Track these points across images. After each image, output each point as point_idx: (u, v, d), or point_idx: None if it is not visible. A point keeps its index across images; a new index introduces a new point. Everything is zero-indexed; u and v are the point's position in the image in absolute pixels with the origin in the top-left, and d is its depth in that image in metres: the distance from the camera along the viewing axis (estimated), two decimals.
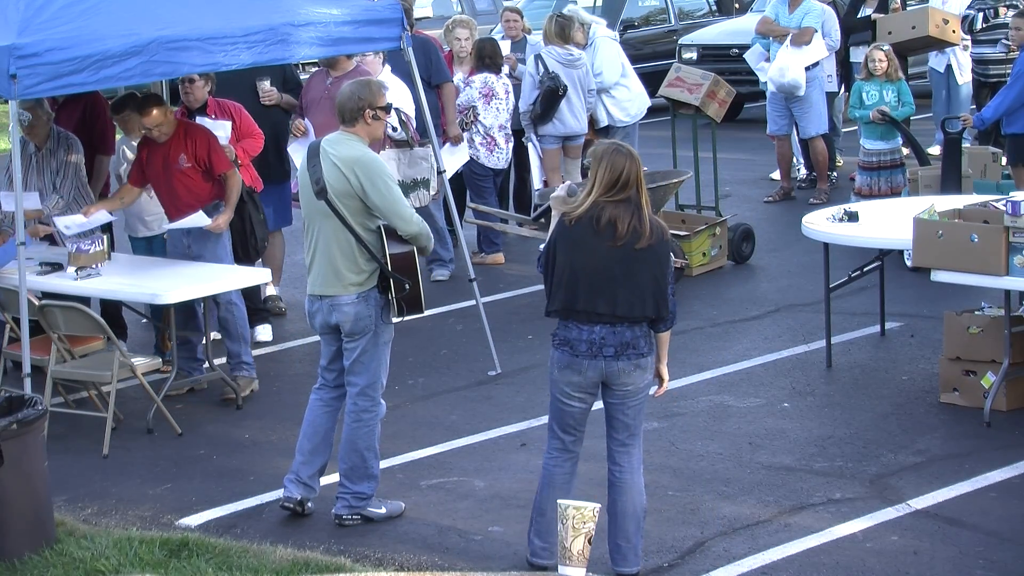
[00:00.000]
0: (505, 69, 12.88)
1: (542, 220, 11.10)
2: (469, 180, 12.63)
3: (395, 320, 7.43)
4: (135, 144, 10.12)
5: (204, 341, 9.53)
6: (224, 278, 9.19)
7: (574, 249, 6.48)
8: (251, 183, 10.19)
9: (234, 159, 9.84)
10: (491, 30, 18.35)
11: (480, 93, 12.37)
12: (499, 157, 12.57)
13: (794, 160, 14.96)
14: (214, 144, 9.46)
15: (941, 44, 14.85)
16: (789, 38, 14.03)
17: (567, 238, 6.50)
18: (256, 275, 9.59)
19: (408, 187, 11.36)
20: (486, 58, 12.53)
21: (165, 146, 9.37)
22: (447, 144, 12.04)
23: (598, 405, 6.74)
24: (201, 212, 9.41)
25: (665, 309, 6.53)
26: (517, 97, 12.68)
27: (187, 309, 9.40)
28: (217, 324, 9.74)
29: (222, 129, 9.92)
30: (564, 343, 6.57)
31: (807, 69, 14.02)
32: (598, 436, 6.87)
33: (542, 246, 6.70)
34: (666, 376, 6.77)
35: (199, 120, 9.90)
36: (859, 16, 15.52)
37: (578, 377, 6.55)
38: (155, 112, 9.28)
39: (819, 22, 14.13)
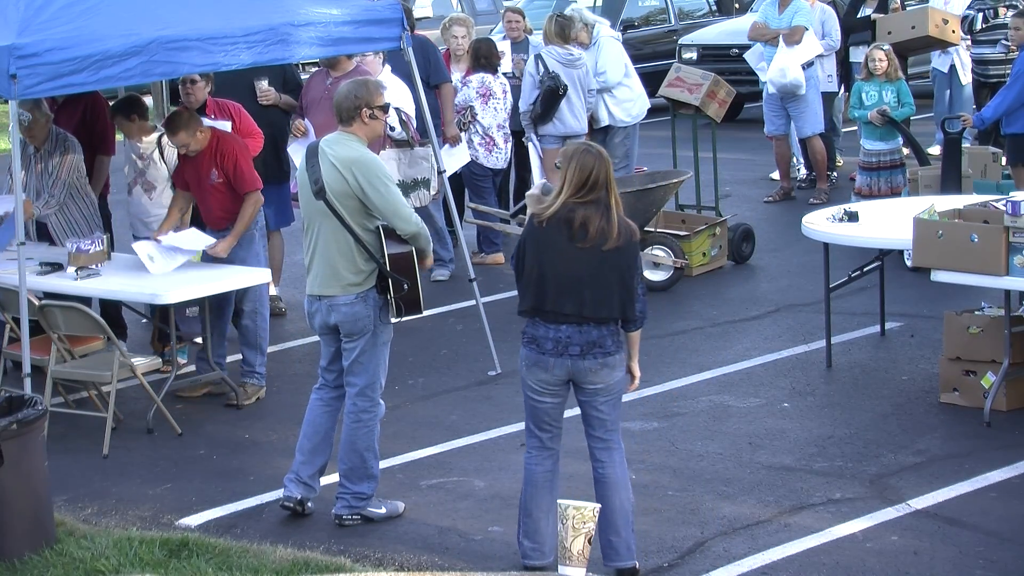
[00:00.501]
0: (507, 68, 12.89)
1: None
2: (468, 180, 12.63)
3: (394, 321, 7.43)
4: (138, 145, 10.11)
5: (206, 341, 9.52)
6: (224, 278, 9.18)
7: (543, 250, 6.51)
8: None
9: None
10: (491, 30, 18.36)
11: (477, 93, 12.36)
12: (498, 157, 12.57)
13: (794, 160, 14.96)
14: (242, 160, 9.31)
15: (941, 44, 14.84)
16: (782, 38, 14.02)
17: (536, 238, 6.53)
18: (256, 275, 9.58)
19: (408, 187, 11.36)
20: (482, 58, 12.53)
21: (196, 160, 9.30)
22: (446, 145, 12.04)
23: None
24: (197, 232, 9.40)
25: (632, 310, 6.54)
26: (516, 97, 12.67)
27: (218, 309, 9.38)
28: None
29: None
30: (532, 340, 6.61)
31: (803, 68, 14.02)
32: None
33: None
34: (637, 373, 6.77)
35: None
36: (859, 16, 15.52)
37: (545, 374, 6.58)
38: (181, 134, 9.18)
39: (809, 20, 14.11)
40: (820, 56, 14.45)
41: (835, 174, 14.91)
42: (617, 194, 6.52)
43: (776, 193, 14.55)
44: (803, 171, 15.06)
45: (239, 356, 9.67)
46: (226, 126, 9.89)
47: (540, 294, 6.52)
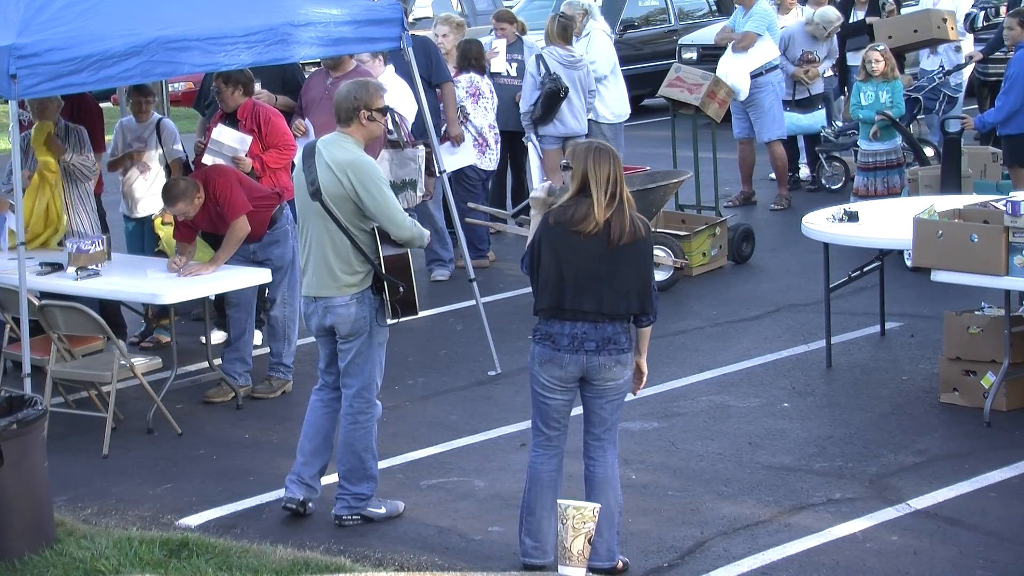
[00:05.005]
0: (502, 67, 12.88)
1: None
2: (461, 183, 12.39)
3: (390, 322, 7.42)
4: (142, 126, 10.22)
5: (209, 342, 9.55)
6: (224, 279, 9.18)
7: (559, 249, 6.51)
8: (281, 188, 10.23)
9: (250, 171, 9.77)
10: (490, 29, 18.37)
11: (467, 93, 12.32)
12: (491, 159, 12.51)
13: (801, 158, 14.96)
14: (225, 192, 9.18)
15: (939, 42, 14.83)
16: (731, 44, 13.96)
17: (551, 237, 6.53)
18: (256, 275, 9.58)
19: (397, 188, 11.30)
20: (472, 58, 12.51)
21: (203, 213, 9.25)
22: (447, 144, 12.01)
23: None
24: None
25: (649, 304, 6.57)
26: (508, 96, 12.65)
27: (248, 306, 9.45)
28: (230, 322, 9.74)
29: (241, 144, 9.87)
30: (546, 338, 6.60)
31: (758, 76, 13.88)
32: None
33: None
34: (645, 370, 6.76)
35: (220, 129, 9.87)
36: (850, 21, 15.48)
37: (560, 371, 6.58)
38: (180, 205, 9.16)
39: (763, 26, 13.98)
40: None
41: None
42: (627, 191, 6.55)
43: (736, 197, 14.37)
44: (804, 171, 15.05)
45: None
46: (246, 141, 9.82)
47: (559, 293, 6.52)
